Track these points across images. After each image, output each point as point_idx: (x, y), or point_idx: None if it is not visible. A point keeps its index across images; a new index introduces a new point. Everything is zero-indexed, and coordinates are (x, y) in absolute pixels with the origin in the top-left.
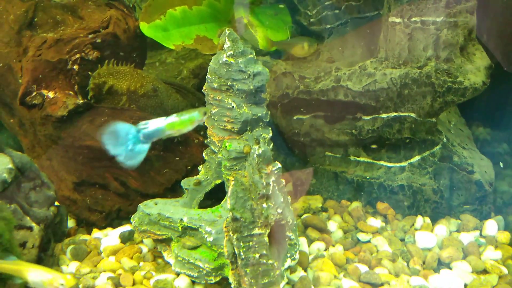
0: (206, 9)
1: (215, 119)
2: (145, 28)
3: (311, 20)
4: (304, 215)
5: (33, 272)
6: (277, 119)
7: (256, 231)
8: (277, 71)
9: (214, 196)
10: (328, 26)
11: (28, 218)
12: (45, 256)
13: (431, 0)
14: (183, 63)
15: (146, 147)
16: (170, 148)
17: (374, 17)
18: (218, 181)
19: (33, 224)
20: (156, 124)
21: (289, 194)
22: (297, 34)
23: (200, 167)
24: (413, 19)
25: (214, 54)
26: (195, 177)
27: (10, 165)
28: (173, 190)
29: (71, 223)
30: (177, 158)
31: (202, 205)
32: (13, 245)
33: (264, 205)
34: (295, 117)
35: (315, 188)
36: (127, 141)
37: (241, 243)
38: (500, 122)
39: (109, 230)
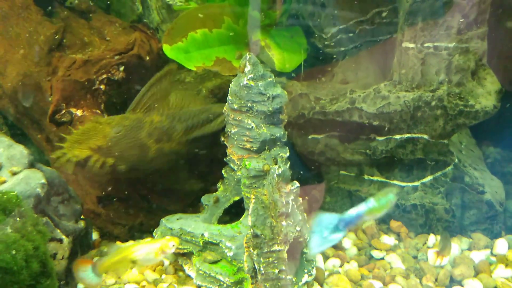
0: (225, 32)
1: (235, 139)
2: (168, 50)
3: (326, 42)
4: None
5: (138, 251)
6: (293, 138)
7: (276, 247)
8: (293, 92)
9: (232, 211)
10: (343, 48)
11: (58, 230)
12: None
13: (443, 26)
14: (202, 82)
15: (341, 235)
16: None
17: (387, 40)
18: (237, 198)
19: (63, 237)
20: (356, 211)
21: (304, 211)
22: (312, 56)
23: (219, 184)
24: (426, 45)
25: (233, 75)
26: (214, 193)
27: (43, 180)
28: (193, 206)
29: (95, 235)
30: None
31: (220, 220)
32: (48, 257)
33: (284, 222)
34: (310, 137)
35: (330, 206)
36: (326, 229)
37: (261, 259)
38: (511, 142)
39: (131, 243)
